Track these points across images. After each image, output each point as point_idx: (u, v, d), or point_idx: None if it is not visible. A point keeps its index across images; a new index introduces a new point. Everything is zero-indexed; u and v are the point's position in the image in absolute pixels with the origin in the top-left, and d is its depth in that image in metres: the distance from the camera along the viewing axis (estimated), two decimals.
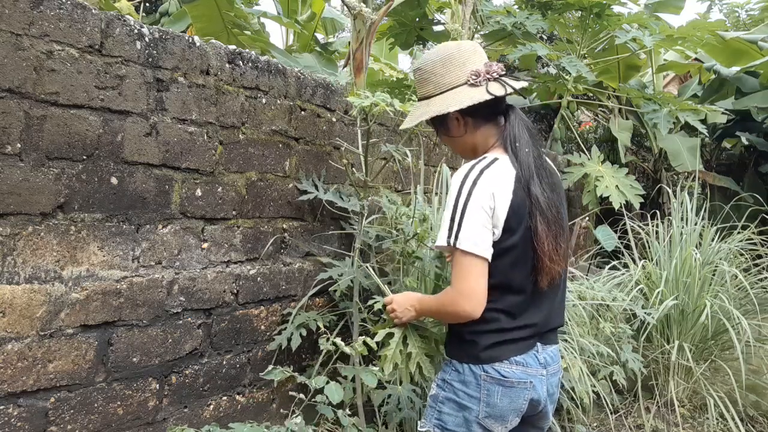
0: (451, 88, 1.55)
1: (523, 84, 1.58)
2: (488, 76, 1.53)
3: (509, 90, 1.53)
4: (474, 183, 1.45)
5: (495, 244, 1.48)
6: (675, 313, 3.38)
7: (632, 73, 6.33)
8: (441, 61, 1.57)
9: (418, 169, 3.06)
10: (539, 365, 1.55)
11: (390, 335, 1.68)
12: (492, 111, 1.56)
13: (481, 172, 1.47)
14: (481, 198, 1.45)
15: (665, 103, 5.42)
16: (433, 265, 2.41)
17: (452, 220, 1.45)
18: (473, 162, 1.52)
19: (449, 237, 1.45)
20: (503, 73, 1.54)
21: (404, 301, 1.66)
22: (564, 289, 1.65)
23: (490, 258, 1.45)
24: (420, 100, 1.63)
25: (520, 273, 1.50)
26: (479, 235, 1.44)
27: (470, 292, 1.45)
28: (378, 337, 1.67)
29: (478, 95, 1.50)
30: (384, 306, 1.71)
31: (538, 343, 1.57)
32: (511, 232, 1.47)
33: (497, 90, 1.51)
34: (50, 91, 1.60)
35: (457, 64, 1.55)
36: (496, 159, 1.51)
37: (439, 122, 1.60)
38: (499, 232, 1.47)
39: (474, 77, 1.53)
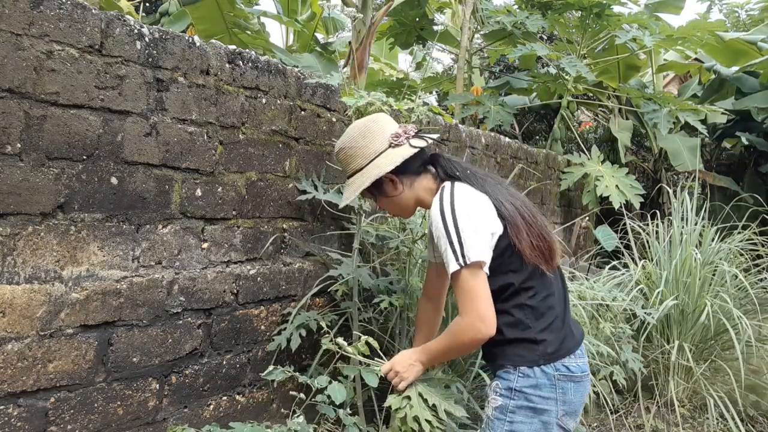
0: (378, 155, 1.64)
1: (438, 135, 1.76)
2: (406, 135, 1.65)
3: (429, 141, 1.66)
4: (452, 202, 1.52)
5: (507, 237, 1.55)
6: (675, 313, 3.38)
7: (632, 73, 6.34)
8: (361, 135, 1.67)
9: None
10: (585, 355, 1.61)
11: (407, 399, 1.63)
12: (420, 163, 1.67)
13: (451, 192, 1.55)
14: (466, 210, 1.51)
15: (665, 103, 5.42)
16: None
17: (452, 243, 1.49)
18: (438, 193, 1.59)
19: (457, 260, 1.48)
20: (417, 130, 1.68)
21: (405, 360, 1.66)
22: (562, 273, 1.73)
23: (488, 263, 1.52)
24: (351, 176, 1.72)
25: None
26: (482, 244, 1.50)
27: (484, 312, 1.48)
28: (395, 405, 1.62)
29: (405, 152, 1.62)
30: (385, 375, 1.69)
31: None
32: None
33: (420, 143, 1.64)
34: (50, 91, 1.60)
35: (376, 133, 1.66)
36: (453, 182, 1.59)
37: (377, 188, 1.68)
38: (500, 226, 1.54)
39: (395, 138, 1.64)
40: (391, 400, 1.64)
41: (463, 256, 1.47)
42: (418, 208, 1.75)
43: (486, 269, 1.51)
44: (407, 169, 1.64)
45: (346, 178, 1.75)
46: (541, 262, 1.55)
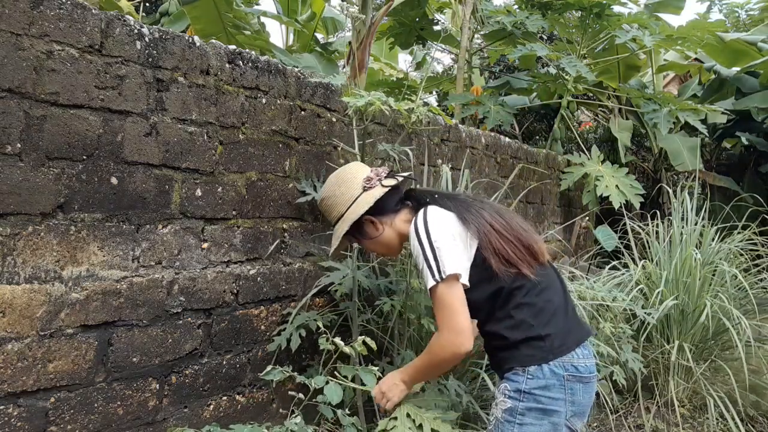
0: (354, 201, 1.73)
1: (410, 173, 1.84)
2: (378, 177, 1.74)
3: (400, 179, 1.75)
4: (425, 222, 1.59)
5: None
6: (675, 313, 3.38)
7: (632, 73, 6.34)
8: (336, 184, 1.79)
9: (419, 169, 3.06)
10: (592, 356, 1.61)
11: (394, 419, 1.67)
12: (396, 200, 1.75)
13: (424, 214, 1.61)
14: (438, 228, 1.57)
15: (665, 103, 5.42)
16: None
17: (428, 260, 1.54)
18: (413, 219, 1.65)
19: (434, 275, 1.53)
20: (389, 171, 1.77)
21: (389, 382, 1.71)
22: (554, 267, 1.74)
23: (467, 278, 1.55)
24: (335, 224, 1.80)
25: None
26: (456, 258, 1.54)
27: (460, 325, 1.51)
28: (381, 427, 1.66)
29: (377, 193, 1.71)
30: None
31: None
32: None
33: (390, 182, 1.73)
34: (50, 91, 1.60)
35: (350, 180, 1.77)
36: (426, 207, 1.66)
37: (359, 232, 1.76)
38: (475, 237, 1.59)
39: (367, 182, 1.74)
40: (381, 424, 1.68)
41: (439, 271, 1.51)
42: (405, 243, 1.81)
43: (464, 281, 1.54)
44: (385, 208, 1.73)
45: (331, 227, 1.83)
46: (522, 265, 1.56)
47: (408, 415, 1.68)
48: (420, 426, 1.65)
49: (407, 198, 1.79)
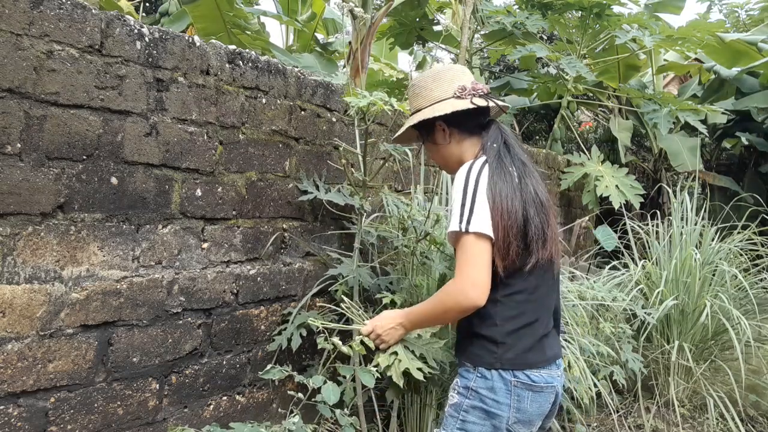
0: (439, 101, 1.65)
1: (507, 104, 1.70)
2: (473, 92, 1.64)
3: (491, 104, 1.64)
4: (479, 173, 1.52)
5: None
6: (675, 313, 3.38)
7: (632, 73, 6.33)
8: (432, 77, 1.70)
9: (418, 169, 3.06)
10: (556, 366, 1.58)
11: (395, 354, 1.67)
12: (476, 124, 1.66)
13: (483, 165, 1.55)
14: (486, 188, 1.50)
15: (665, 103, 5.42)
16: (442, 266, 2.40)
17: (463, 206, 1.49)
18: (471, 160, 1.58)
19: (461, 222, 1.48)
20: (488, 92, 1.67)
21: (386, 322, 1.66)
22: (557, 284, 1.68)
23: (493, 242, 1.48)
24: (412, 114, 1.74)
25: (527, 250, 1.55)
26: (489, 222, 1.48)
27: (478, 278, 1.46)
28: (384, 363, 1.65)
29: (459, 105, 1.61)
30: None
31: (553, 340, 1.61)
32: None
33: (480, 102, 1.63)
34: (50, 91, 1.60)
35: (446, 80, 1.68)
36: (487, 163, 1.57)
37: (426, 131, 1.71)
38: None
39: (460, 90, 1.65)
40: (379, 359, 1.65)
41: (468, 222, 1.46)
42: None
43: (492, 240, 1.48)
44: (462, 124, 1.66)
45: (408, 115, 1.78)
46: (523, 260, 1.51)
47: (406, 347, 1.66)
48: (422, 356, 1.64)
49: (486, 128, 1.68)
